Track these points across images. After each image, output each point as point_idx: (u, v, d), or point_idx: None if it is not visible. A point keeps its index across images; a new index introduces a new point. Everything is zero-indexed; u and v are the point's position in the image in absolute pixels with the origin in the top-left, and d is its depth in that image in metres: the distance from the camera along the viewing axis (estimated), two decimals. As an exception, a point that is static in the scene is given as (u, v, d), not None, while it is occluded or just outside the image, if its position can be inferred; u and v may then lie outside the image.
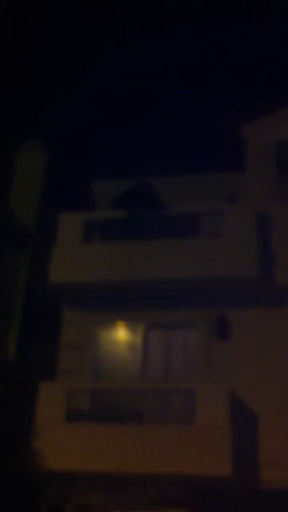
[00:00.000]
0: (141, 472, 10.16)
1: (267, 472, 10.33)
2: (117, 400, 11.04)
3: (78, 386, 11.47)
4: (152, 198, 14.16)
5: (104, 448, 10.37)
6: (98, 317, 12.42)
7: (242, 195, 13.30)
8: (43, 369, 12.01)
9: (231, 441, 10.11)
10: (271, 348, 11.35)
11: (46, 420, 10.75)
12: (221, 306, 11.80)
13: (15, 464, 10.66)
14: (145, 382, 11.65)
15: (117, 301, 12.22)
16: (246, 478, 10.27)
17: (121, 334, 12.39)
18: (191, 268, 11.73)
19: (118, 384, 11.47)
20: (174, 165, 15.36)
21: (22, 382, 11.75)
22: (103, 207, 14.48)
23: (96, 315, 12.42)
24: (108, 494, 10.64)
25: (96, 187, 15.26)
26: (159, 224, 12.66)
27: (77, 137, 17.37)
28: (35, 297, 13.01)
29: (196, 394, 10.61)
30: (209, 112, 18.57)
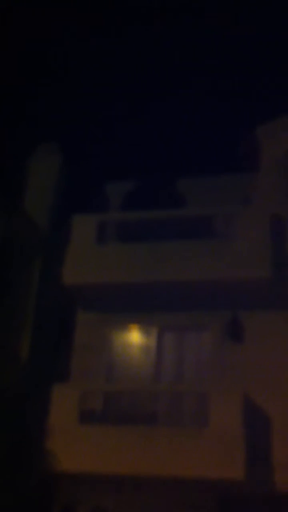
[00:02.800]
0: (153, 475, 10.16)
1: (281, 475, 10.28)
2: (130, 402, 11.05)
3: (92, 388, 11.48)
4: (166, 197, 14.17)
5: (117, 450, 10.38)
6: (112, 319, 12.43)
7: (256, 197, 13.24)
8: (57, 371, 12.04)
9: (244, 444, 10.06)
10: (284, 350, 11.30)
11: (59, 421, 10.79)
12: (235, 308, 11.76)
13: (28, 465, 10.71)
14: (158, 384, 11.64)
15: (130, 303, 12.22)
16: (259, 482, 10.22)
17: (135, 336, 12.39)
18: (205, 270, 11.69)
19: (132, 386, 11.46)
20: (189, 167, 15.31)
21: (36, 384, 11.80)
22: (117, 208, 14.50)
23: (109, 317, 12.43)
24: (121, 496, 10.66)
25: (110, 189, 15.29)
26: (173, 225, 12.63)
27: (92, 139, 17.39)
28: (49, 298, 13.04)
29: (209, 396, 10.57)
30: (224, 114, 18.52)
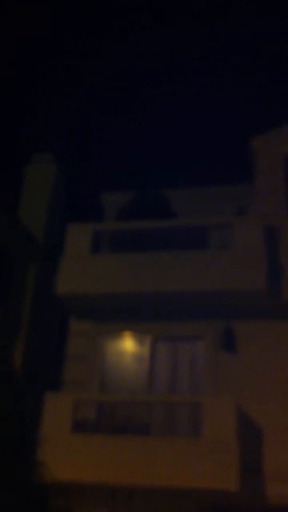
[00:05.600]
0: (146, 485, 10.11)
1: (273, 487, 10.26)
2: (124, 412, 11.03)
3: (85, 397, 11.45)
4: (161, 208, 14.19)
5: (110, 460, 10.32)
6: (105, 328, 12.41)
7: (251, 208, 13.29)
8: (50, 380, 12.02)
9: (238, 455, 10.02)
10: (278, 361, 11.31)
11: (51, 430, 10.73)
12: (229, 318, 11.76)
13: (21, 474, 10.66)
14: (151, 394, 11.61)
15: (124, 312, 12.23)
16: (252, 493, 10.19)
17: (128, 345, 12.36)
18: (199, 280, 11.70)
19: (125, 396, 11.44)
20: (183, 177, 15.38)
21: (29, 392, 11.77)
22: (112, 218, 14.52)
23: (103, 326, 12.42)
24: (114, 506, 10.60)
25: (105, 199, 15.33)
26: (167, 236, 12.66)
27: (87, 149, 17.47)
28: (43, 307, 13.04)
29: (203, 407, 10.55)
30: (219, 124, 18.63)
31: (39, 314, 12.96)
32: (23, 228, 13.60)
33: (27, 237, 13.56)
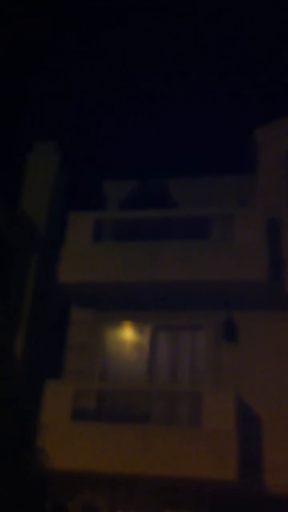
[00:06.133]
0: (146, 474, 10.15)
1: (272, 477, 10.29)
2: (124, 401, 11.05)
3: (85, 386, 11.47)
4: (163, 198, 14.17)
5: (110, 448, 10.37)
6: (106, 317, 12.42)
7: (254, 199, 13.27)
8: (50, 369, 12.04)
9: (237, 445, 10.06)
10: (278, 352, 11.32)
11: (51, 419, 10.77)
12: (230, 308, 11.77)
13: (21, 462, 10.70)
14: (152, 383, 11.64)
15: (125, 301, 12.23)
16: (251, 483, 10.23)
17: (129, 334, 12.38)
18: (200, 270, 11.70)
19: (125, 385, 11.46)
20: (186, 167, 15.34)
21: (29, 381, 11.79)
22: (114, 207, 14.50)
23: (104, 315, 12.43)
24: (113, 494, 10.65)
25: (107, 187, 15.29)
26: (169, 225, 12.64)
27: (90, 137, 17.41)
28: (44, 296, 13.04)
29: (203, 397, 10.58)
30: (223, 115, 18.57)
31: (40, 304, 12.96)
32: (25, 217, 13.57)
33: (28, 226, 13.54)
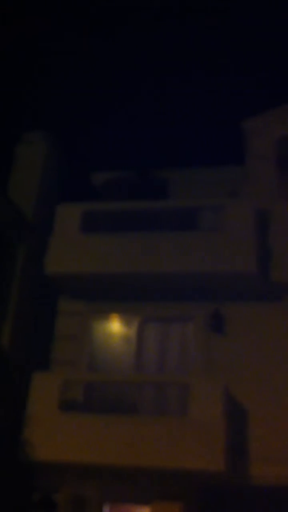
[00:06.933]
0: (134, 465, 10.13)
1: (260, 468, 10.31)
2: (111, 392, 11.02)
3: (73, 377, 11.42)
4: (153, 189, 14.13)
5: (97, 440, 10.34)
6: (94, 308, 12.39)
7: (243, 191, 13.25)
8: (38, 359, 11.98)
9: (226, 436, 10.07)
10: (267, 343, 11.32)
11: (39, 410, 10.73)
12: (218, 300, 11.77)
13: (8, 453, 10.65)
14: (140, 374, 11.61)
15: (113, 293, 12.19)
16: (239, 474, 10.25)
17: (117, 326, 12.35)
18: (189, 261, 11.69)
19: (114, 376, 11.43)
20: (175, 159, 15.28)
21: (16, 372, 11.73)
22: (105, 197, 14.44)
23: (92, 306, 12.39)
24: (101, 486, 10.63)
25: (96, 179, 15.22)
26: (158, 216, 12.60)
27: (79, 128, 17.29)
28: (31, 286, 12.96)
29: (191, 387, 10.57)
30: (211, 106, 18.49)
31: (27, 294, 12.87)
32: (13, 206, 13.47)
33: (16, 216, 13.43)
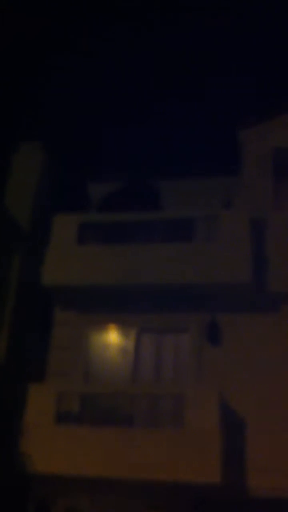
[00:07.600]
0: (129, 477, 10.11)
1: (255, 479, 10.30)
2: (107, 403, 10.99)
3: (69, 389, 11.40)
4: (148, 199, 14.14)
5: (93, 451, 10.32)
6: (90, 319, 12.38)
7: (238, 200, 13.28)
8: (34, 370, 11.97)
9: (221, 447, 10.05)
10: (262, 353, 11.33)
11: (35, 421, 10.72)
12: (214, 311, 11.77)
13: (3, 464, 10.63)
14: (135, 386, 11.60)
15: (109, 304, 12.19)
16: (234, 485, 10.22)
17: (113, 337, 12.34)
18: (184, 272, 11.70)
19: (108, 387, 11.41)
20: (170, 169, 15.31)
21: (12, 383, 11.71)
22: (98, 209, 14.45)
23: (88, 318, 12.39)
24: (96, 497, 10.61)
25: (92, 189, 15.24)
26: (153, 227, 12.62)
27: (75, 139, 17.34)
28: (27, 297, 12.96)
29: (186, 398, 10.56)
30: (207, 117, 18.55)
31: (23, 304, 12.87)
32: (8, 216, 13.48)
33: (12, 225, 13.44)
